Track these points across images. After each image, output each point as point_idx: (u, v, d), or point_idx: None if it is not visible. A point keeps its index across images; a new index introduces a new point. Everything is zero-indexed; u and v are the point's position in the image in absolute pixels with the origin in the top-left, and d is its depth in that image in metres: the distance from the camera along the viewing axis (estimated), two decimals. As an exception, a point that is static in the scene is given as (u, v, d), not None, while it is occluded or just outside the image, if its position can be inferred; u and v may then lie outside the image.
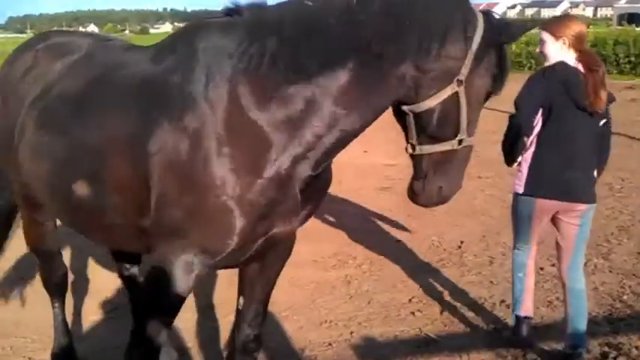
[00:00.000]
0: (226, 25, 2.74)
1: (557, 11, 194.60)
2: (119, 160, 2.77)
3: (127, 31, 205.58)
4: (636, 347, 4.26)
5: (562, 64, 3.99)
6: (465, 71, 2.51)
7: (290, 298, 5.25)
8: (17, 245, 4.87)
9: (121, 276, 4.33)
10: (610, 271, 5.56)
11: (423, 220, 7.18)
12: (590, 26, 48.87)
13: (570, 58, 3.99)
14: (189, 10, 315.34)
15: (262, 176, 2.58)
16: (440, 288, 5.37)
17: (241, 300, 3.38)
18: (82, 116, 2.97)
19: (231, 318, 4.90)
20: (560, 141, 4.00)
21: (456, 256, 6.08)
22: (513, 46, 29.08)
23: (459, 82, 2.52)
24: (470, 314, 4.88)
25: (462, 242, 6.41)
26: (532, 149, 4.13)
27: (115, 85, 2.94)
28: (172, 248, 2.71)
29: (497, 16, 2.73)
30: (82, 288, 5.57)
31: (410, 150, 2.76)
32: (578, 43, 3.98)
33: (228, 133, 2.55)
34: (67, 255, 6.35)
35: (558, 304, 4.92)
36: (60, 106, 3.07)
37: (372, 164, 10.11)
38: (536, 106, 4.07)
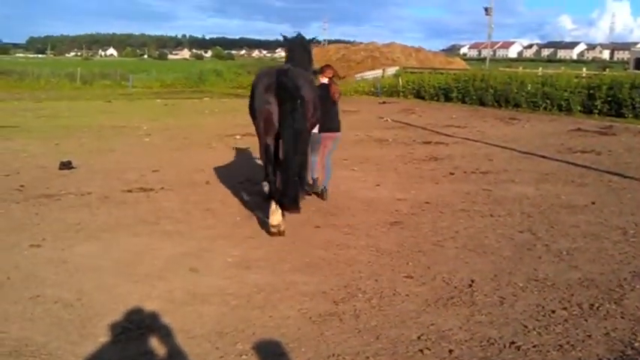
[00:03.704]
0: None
1: (574, 52, 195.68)
2: None
3: (145, 56, 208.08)
4: (647, 396, 4.19)
5: (325, 84, 9.87)
6: None
7: (298, 330, 5.22)
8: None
9: None
10: (622, 317, 5.48)
11: (433, 256, 7.17)
12: (607, 69, 49.06)
13: (325, 80, 9.91)
14: (207, 37, 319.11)
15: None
16: (449, 326, 5.32)
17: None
18: None
19: (240, 346, 4.91)
20: (326, 111, 9.36)
21: (467, 295, 6.02)
22: (529, 86, 29.16)
23: None
24: (479, 354, 4.82)
25: (472, 281, 6.36)
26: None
27: None
28: None
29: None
30: (91, 309, 5.57)
31: None
32: (329, 75, 9.96)
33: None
34: (77, 276, 6.38)
35: (569, 348, 4.87)
36: None
37: (384, 198, 10.11)
38: (318, 100, 8.78)
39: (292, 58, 9.24)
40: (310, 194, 9.91)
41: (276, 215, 7.81)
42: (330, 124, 9.77)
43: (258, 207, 9.20)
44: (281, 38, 9.80)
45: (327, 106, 9.49)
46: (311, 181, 10.13)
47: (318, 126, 9.51)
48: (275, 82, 7.71)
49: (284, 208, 7.80)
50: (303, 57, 9.38)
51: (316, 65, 10.50)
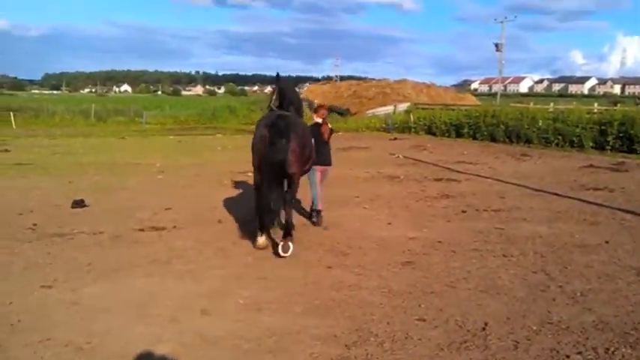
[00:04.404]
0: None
1: (585, 87, 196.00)
2: None
3: (159, 92, 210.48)
4: None
5: (317, 123, 11.17)
6: None
7: (309, 375, 5.18)
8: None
9: None
10: (638, 362, 5.40)
11: (446, 298, 7.11)
12: (618, 104, 49.15)
13: (319, 120, 11.22)
14: (220, 73, 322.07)
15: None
16: (462, 371, 5.26)
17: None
18: None
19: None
20: (319, 148, 10.53)
21: (480, 339, 5.94)
22: (540, 122, 29.15)
23: None
24: (493, 401, 4.75)
25: (486, 324, 6.28)
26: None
27: None
28: None
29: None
30: (101, 353, 5.54)
31: None
32: (322, 115, 11.33)
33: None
34: (87, 318, 6.37)
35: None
36: None
37: (396, 236, 10.08)
38: (312, 138, 10.06)
39: (284, 98, 10.07)
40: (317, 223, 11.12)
41: (261, 238, 9.35)
42: (322, 159, 10.97)
43: (270, 245, 9.22)
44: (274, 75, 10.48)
45: (319, 143, 10.75)
46: (320, 207, 11.30)
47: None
48: (271, 125, 8.93)
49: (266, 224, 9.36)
50: (294, 98, 10.42)
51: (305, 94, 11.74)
